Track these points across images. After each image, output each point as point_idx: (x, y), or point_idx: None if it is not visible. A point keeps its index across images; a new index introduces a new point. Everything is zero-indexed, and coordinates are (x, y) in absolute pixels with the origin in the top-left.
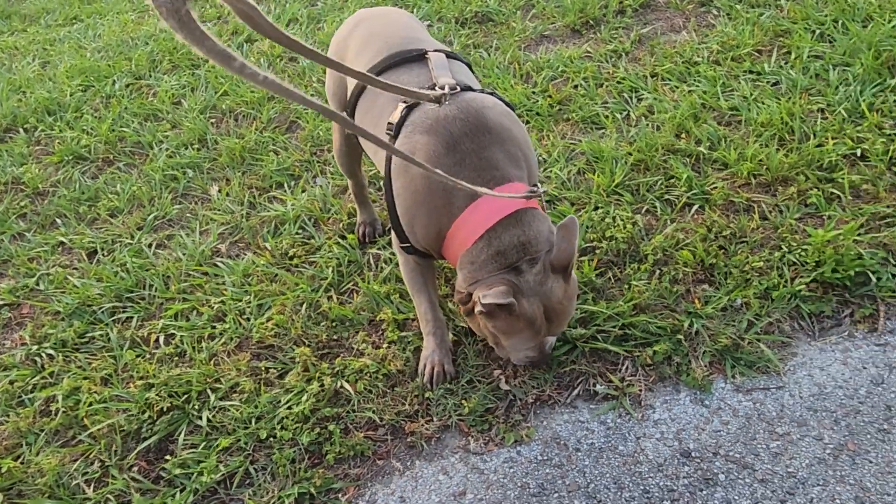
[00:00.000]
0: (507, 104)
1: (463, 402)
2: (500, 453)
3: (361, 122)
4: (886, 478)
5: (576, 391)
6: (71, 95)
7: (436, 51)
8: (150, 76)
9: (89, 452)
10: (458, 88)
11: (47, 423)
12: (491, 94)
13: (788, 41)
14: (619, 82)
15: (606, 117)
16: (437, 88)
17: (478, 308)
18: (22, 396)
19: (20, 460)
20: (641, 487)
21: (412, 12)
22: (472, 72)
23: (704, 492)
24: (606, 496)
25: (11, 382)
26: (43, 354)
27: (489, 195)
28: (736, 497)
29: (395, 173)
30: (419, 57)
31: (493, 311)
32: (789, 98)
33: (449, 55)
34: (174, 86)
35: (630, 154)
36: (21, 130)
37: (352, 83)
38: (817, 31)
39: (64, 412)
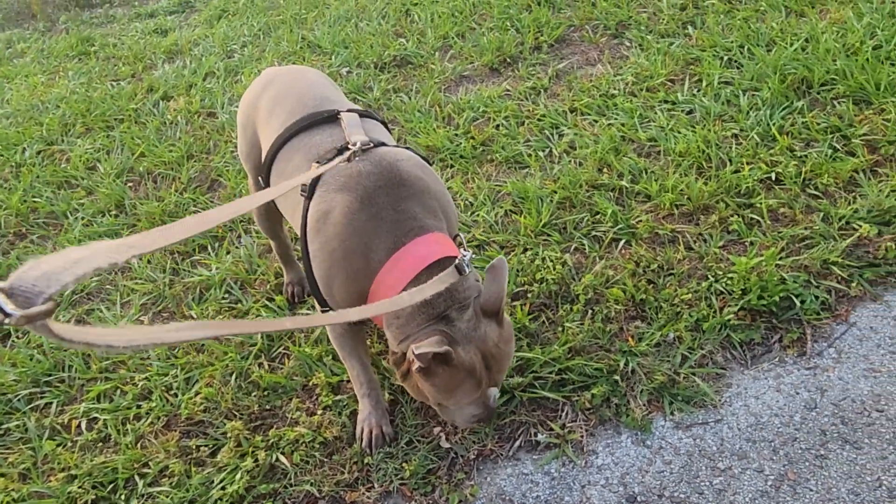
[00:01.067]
0: (423, 158)
1: (404, 465)
2: None
3: (276, 183)
4: None
5: (517, 443)
6: None
7: (349, 110)
8: (63, 140)
9: None
10: (372, 145)
11: None
12: (406, 148)
13: (699, 69)
14: (539, 119)
15: (529, 156)
16: (349, 147)
17: (415, 365)
18: None
19: None
20: None
21: (330, 59)
22: (388, 129)
23: None
24: None
25: None
26: None
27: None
28: None
29: (311, 235)
30: (332, 118)
31: (430, 365)
32: (704, 125)
33: (363, 114)
34: (88, 150)
35: (555, 192)
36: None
37: (266, 144)
38: (725, 58)
39: None
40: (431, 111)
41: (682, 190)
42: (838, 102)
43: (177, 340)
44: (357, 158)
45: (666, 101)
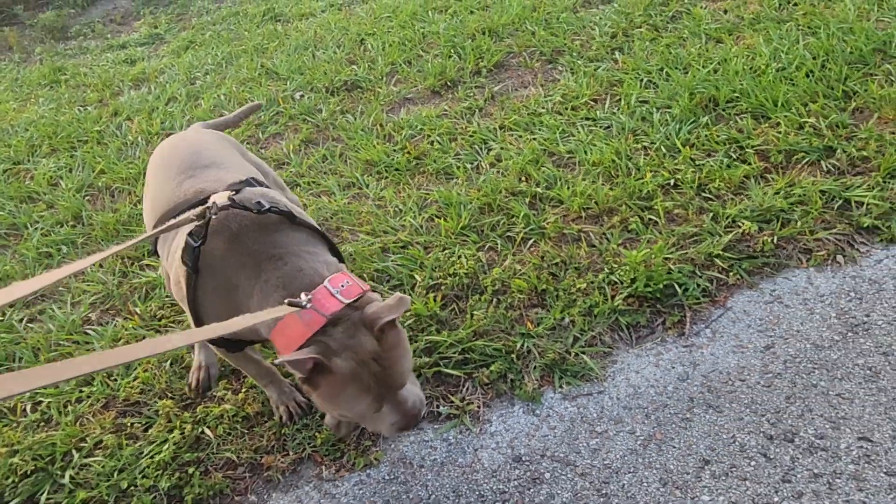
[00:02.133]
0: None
1: (316, 434)
2: (350, 478)
3: (165, 261)
4: (687, 459)
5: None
6: None
7: (230, 186)
8: (29, 160)
9: None
10: (234, 192)
11: None
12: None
13: (620, 90)
14: (471, 135)
15: (458, 168)
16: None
17: (297, 377)
18: None
19: None
20: (477, 493)
21: (286, 84)
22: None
23: (531, 490)
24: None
25: None
26: None
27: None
28: (559, 491)
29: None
30: (203, 201)
31: (311, 375)
32: (618, 139)
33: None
34: (52, 168)
35: (477, 199)
36: None
37: (146, 213)
38: (645, 80)
39: None
40: (373, 129)
41: (590, 195)
42: (740, 118)
43: (39, 386)
44: (212, 213)
45: (587, 119)
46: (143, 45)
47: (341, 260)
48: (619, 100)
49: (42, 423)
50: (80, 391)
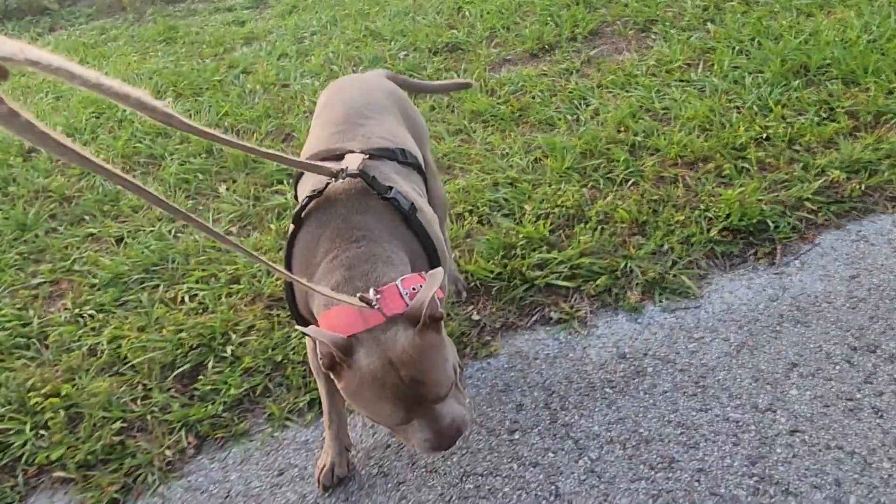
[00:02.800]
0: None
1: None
2: (473, 364)
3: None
4: (776, 362)
5: (534, 318)
6: (86, 121)
7: (363, 150)
8: None
9: (133, 380)
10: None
11: (94, 361)
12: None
13: (713, 56)
14: (570, 92)
15: (559, 119)
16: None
17: (321, 360)
18: (70, 345)
19: (75, 387)
20: (587, 381)
21: (390, 45)
22: (417, 172)
23: (636, 380)
24: (559, 388)
25: (59, 335)
26: (85, 315)
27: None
28: (660, 382)
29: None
30: (340, 156)
31: (333, 364)
32: (711, 98)
33: (376, 155)
34: (179, 110)
35: (579, 145)
36: (42, 151)
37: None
38: (737, 48)
39: (108, 353)
40: (477, 84)
41: (685, 144)
42: (830, 83)
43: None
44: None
45: (681, 80)
46: (249, 9)
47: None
48: (712, 65)
49: (200, 310)
50: (230, 288)
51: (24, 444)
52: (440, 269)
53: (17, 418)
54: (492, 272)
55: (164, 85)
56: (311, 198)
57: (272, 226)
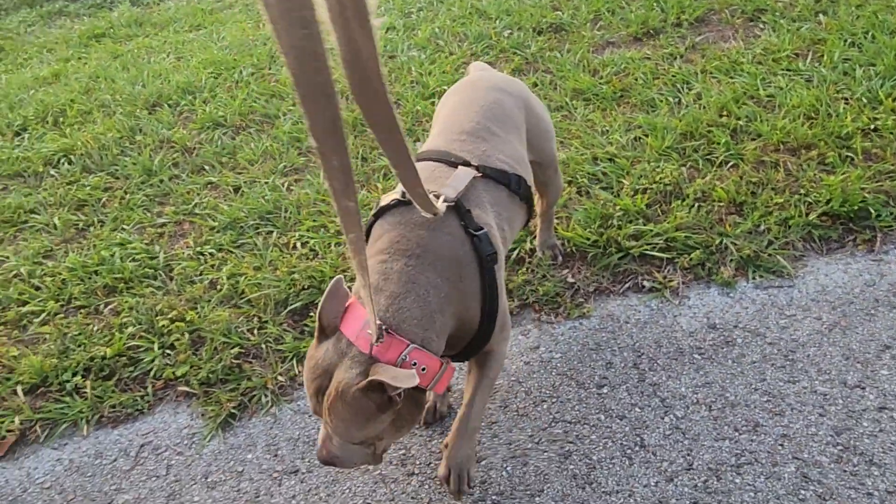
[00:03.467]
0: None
1: (538, 287)
2: (566, 323)
3: None
4: (869, 343)
5: (627, 285)
6: (205, 80)
7: (479, 166)
8: (271, 68)
9: (249, 312)
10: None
11: (215, 293)
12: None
13: (823, 47)
14: (672, 76)
15: (661, 101)
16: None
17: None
18: (193, 278)
19: (198, 314)
20: (675, 346)
21: (494, 23)
22: (518, 196)
23: (724, 349)
24: (648, 350)
25: (183, 269)
26: (205, 253)
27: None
28: (749, 353)
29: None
30: (452, 163)
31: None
32: (819, 88)
33: (490, 175)
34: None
35: (679, 127)
36: (166, 105)
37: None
38: (849, 40)
39: (227, 287)
40: (580, 65)
41: (788, 131)
42: None
43: None
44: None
45: (788, 69)
46: None
47: (488, 323)
48: (822, 56)
49: (311, 256)
50: (339, 237)
51: (153, 360)
52: (413, 376)
53: (146, 338)
54: (588, 239)
55: (276, 51)
56: (400, 200)
57: (379, 185)
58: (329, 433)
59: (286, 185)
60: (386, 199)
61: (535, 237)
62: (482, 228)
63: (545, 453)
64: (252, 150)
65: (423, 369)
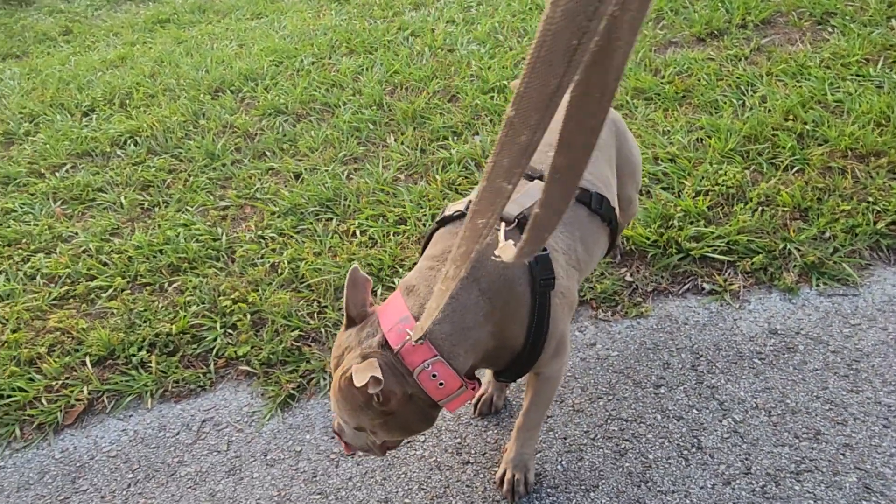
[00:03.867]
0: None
1: (596, 284)
2: (623, 321)
3: None
4: None
5: (686, 286)
6: (266, 68)
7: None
8: (331, 57)
9: (309, 297)
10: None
11: (276, 276)
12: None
13: (894, 53)
14: (737, 78)
15: (724, 103)
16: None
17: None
18: (254, 261)
19: (259, 296)
20: (735, 349)
21: None
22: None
23: (786, 355)
24: (707, 353)
25: (245, 252)
26: (266, 237)
27: None
28: (810, 360)
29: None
30: (529, 176)
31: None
32: (890, 94)
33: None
34: (352, 65)
35: (743, 129)
36: (228, 91)
37: None
38: None
39: (288, 271)
40: (641, 64)
41: (857, 137)
42: None
43: None
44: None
45: (858, 75)
46: None
47: (533, 347)
48: (893, 62)
49: (370, 244)
50: (397, 227)
51: (215, 339)
52: (371, 377)
53: (209, 317)
54: (648, 239)
55: (337, 41)
56: (463, 212)
57: (438, 177)
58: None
59: (346, 173)
60: (451, 209)
61: None
62: (545, 249)
63: (600, 450)
64: (312, 137)
65: (441, 384)
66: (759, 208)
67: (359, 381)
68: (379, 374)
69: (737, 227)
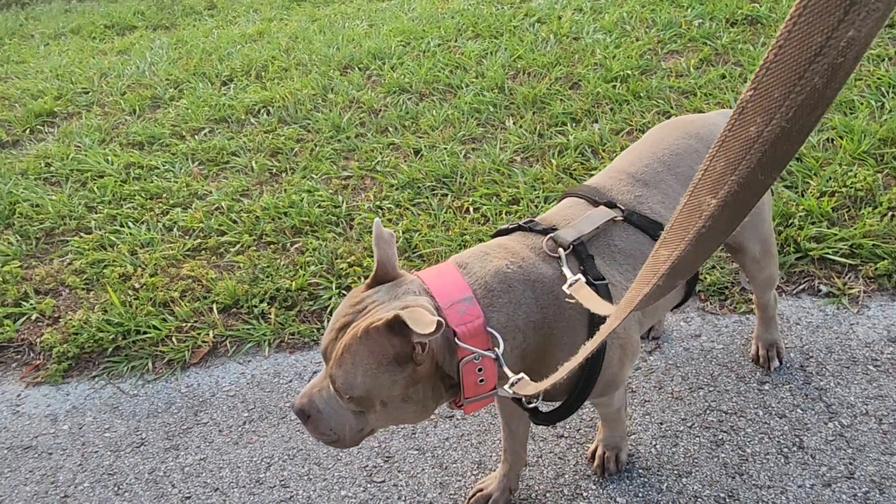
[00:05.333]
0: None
1: (705, 276)
2: (731, 317)
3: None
4: None
5: (802, 287)
6: (394, 48)
7: (622, 210)
8: (457, 40)
9: (420, 266)
10: (560, 254)
11: None
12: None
13: None
14: (877, 79)
15: (861, 104)
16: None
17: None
18: (371, 228)
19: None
20: (849, 354)
21: (686, 11)
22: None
23: None
24: (818, 355)
25: (363, 220)
26: (384, 207)
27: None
28: None
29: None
30: (594, 201)
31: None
32: None
33: (634, 222)
34: (477, 49)
35: (879, 132)
36: (356, 68)
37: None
38: None
39: (402, 241)
40: None
41: None
42: None
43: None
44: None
45: None
46: None
47: (579, 382)
48: None
49: (482, 221)
50: (509, 207)
51: (330, 298)
52: (434, 324)
53: (326, 277)
54: None
55: (464, 25)
56: (520, 225)
57: (553, 161)
58: (324, 381)
59: (463, 152)
60: (506, 226)
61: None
62: (603, 279)
63: (696, 438)
64: (434, 116)
65: (481, 381)
66: (890, 213)
67: (419, 326)
68: (440, 319)
69: (862, 231)
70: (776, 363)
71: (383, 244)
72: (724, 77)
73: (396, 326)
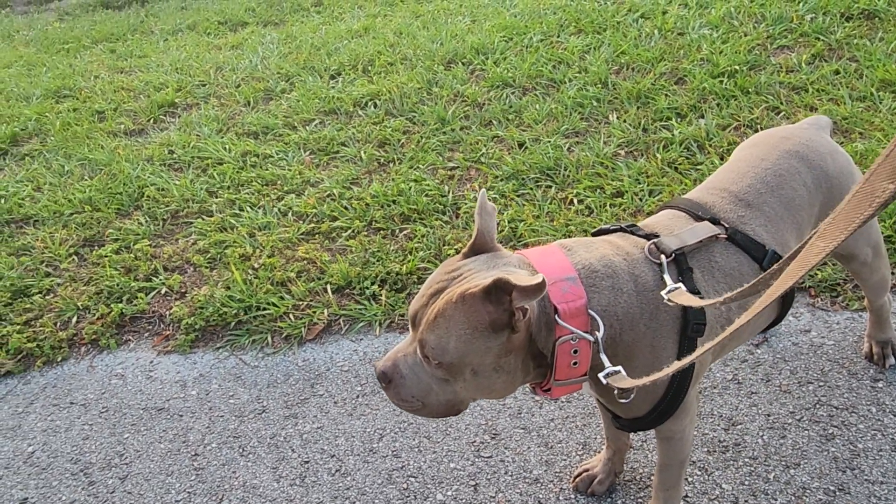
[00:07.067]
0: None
1: (817, 272)
2: (843, 313)
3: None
4: None
5: None
6: (496, 43)
7: (725, 226)
8: (559, 36)
9: None
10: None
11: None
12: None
13: None
14: None
15: None
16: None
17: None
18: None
19: None
20: None
21: (797, 6)
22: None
23: None
24: None
25: (468, 209)
26: (489, 197)
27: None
28: None
29: None
30: (697, 216)
31: None
32: None
33: (738, 241)
34: (580, 44)
35: None
36: (460, 63)
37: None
38: None
39: (507, 231)
40: (892, 55)
41: None
42: None
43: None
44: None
45: None
46: None
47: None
48: None
49: (586, 213)
50: (613, 199)
51: None
52: (538, 280)
53: (433, 262)
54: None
55: (566, 20)
56: (622, 228)
57: (658, 155)
58: (410, 346)
59: (567, 145)
60: (606, 226)
61: None
62: (699, 293)
63: (805, 431)
64: (537, 110)
65: (575, 364)
66: None
67: (523, 281)
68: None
69: None
70: (892, 360)
71: (485, 215)
72: (837, 73)
73: (494, 293)
